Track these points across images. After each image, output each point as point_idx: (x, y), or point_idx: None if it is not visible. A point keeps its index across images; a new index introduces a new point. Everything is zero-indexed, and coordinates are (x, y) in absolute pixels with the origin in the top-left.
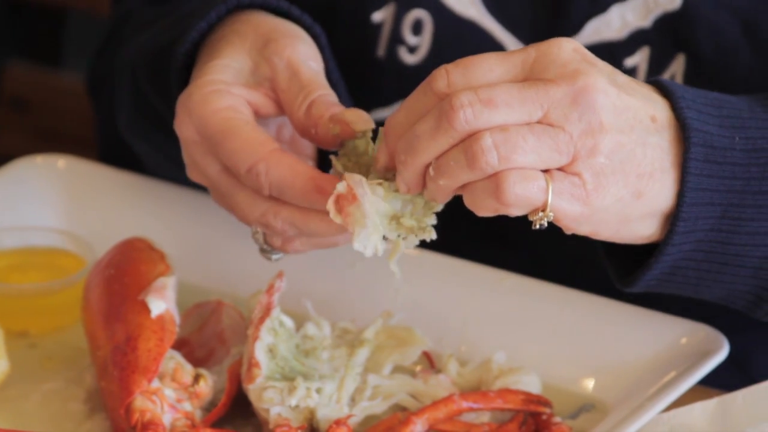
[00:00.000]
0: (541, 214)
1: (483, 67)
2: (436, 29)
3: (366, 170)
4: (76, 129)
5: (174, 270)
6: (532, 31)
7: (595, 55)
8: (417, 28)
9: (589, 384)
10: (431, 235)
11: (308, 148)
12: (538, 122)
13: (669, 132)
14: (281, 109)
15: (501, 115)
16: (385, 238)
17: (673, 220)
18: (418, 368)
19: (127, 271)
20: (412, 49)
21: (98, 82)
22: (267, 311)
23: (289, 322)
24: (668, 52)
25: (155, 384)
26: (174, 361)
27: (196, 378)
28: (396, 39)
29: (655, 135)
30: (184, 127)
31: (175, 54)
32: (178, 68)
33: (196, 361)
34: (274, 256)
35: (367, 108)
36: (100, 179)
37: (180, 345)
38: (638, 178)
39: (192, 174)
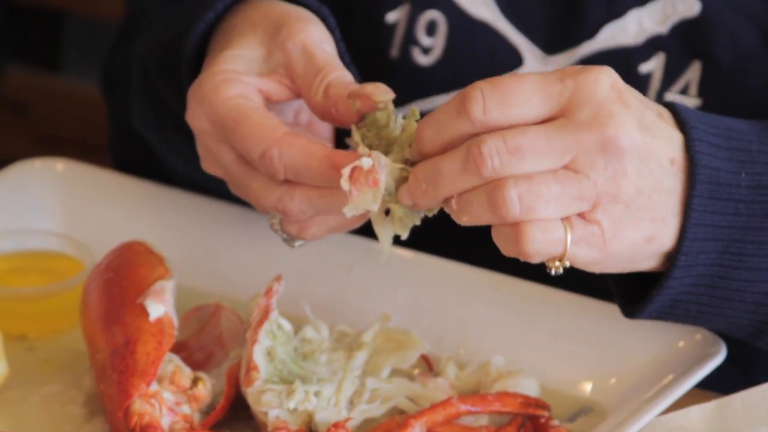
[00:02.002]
0: (558, 263)
1: (520, 96)
2: (450, 30)
3: (386, 143)
4: (75, 132)
5: (173, 273)
6: (546, 34)
7: (610, 60)
8: (431, 29)
9: (587, 387)
10: (421, 218)
11: (326, 131)
12: (564, 167)
13: (682, 171)
14: (295, 93)
15: (528, 163)
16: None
17: (675, 254)
18: (417, 371)
19: (125, 274)
20: (425, 50)
21: (111, 80)
22: (265, 314)
23: (287, 326)
24: (684, 58)
25: (154, 387)
26: (172, 364)
27: (195, 381)
28: (410, 40)
29: (671, 178)
30: (195, 117)
31: (183, 46)
32: (188, 60)
33: (195, 365)
34: (297, 243)
35: None
36: (98, 183)
37: (178, 348)
38: (652, 222)
39: (206, 165)
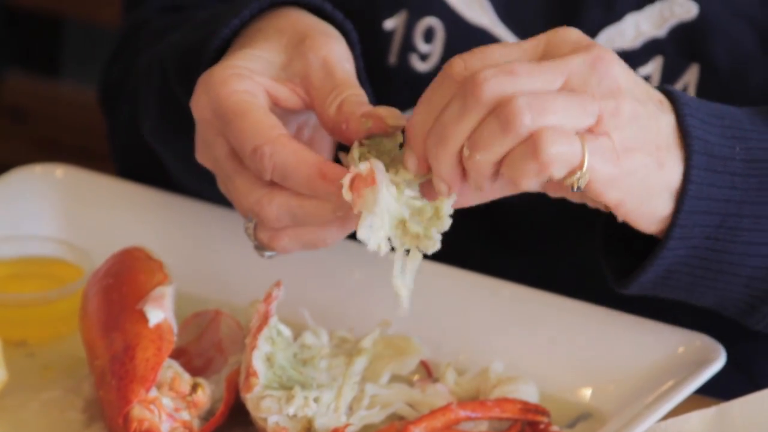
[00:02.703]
0: (578, 173)
1: (498, 51)
2: (447, 37)
3: (386, 163)
4: (75, 138)
5: (172, 279)
6: None
7: None
8: (429, 35)
9: (587, 393)
10: (435, 247)
11: (326, 151)
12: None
13: (670, 114)
14: (306, 105)
15: (525, 82)
16: (392, 249)
17: (669, 225)
18: (416, 377)
19: (125, 280)
20: (423, 57)
21: (112, 91)
22: (265, 320)
23: (286, 331)
24: (682, 61)
25: (153, 393)
26: (172, 370)
27: (194, 387)
28: (408, 47)
29: (665, 115)
30: (199, 105)
31: (206, 50)
32: (209, 64)
33: (194, 371)
34: (268, 254)
35: None
36: (98, 189)
37: (178, 354)
38: (657, 149)
39: (200, 156)
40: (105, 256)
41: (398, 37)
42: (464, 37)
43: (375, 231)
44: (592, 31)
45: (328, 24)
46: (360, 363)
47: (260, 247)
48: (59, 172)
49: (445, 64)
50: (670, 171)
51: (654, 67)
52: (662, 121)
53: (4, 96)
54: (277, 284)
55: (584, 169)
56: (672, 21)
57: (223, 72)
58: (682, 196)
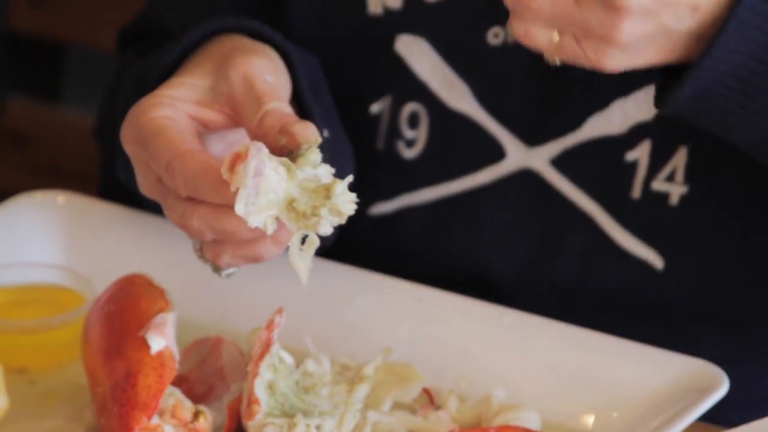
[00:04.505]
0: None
1: None
2: (431, 123)
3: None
4: (76, 164)
5: (174, 306)
6: (528, 126)
7: (596, 149)
8: (413, 121)
9: (589, 420)
10: (326, 227)
11: None
12: None
13: (717, 11)
14: (235, 123)
15: None
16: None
17: (717, 33)
18: (418, 405)
19: (126, 307)
20: (409, 143)
21: (101, 129)
22: (267, 347)
23: (288, 359)
24: (670, 145)
25: (155, 420)
26: (173, 397)
27: (196, 414)
28: (394, 132)
29: (689, 23)
30: (125, 136)
31: (149, 82)
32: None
33: (196, 398)
34: (224, 273)
35: (368, 201)
36: (99, 215)
37: (180, 381)
38: (653, 56)
39: (142, 188)
40: (106, 283)
41: (384, 122)
42: (448, 123)
43: (258, 208)
44: (578, 118)
45: (260, 44)
46: (362, 390)
47: (216, 268)
48: (60, 198)
49: None
50: (684, 43)
51: (642, 151)
52: (682, 26)
53: (5, 121)
54: (279, 311)
55: (553, 55)
56: None
57: (146, 102)
58: (735, 5)
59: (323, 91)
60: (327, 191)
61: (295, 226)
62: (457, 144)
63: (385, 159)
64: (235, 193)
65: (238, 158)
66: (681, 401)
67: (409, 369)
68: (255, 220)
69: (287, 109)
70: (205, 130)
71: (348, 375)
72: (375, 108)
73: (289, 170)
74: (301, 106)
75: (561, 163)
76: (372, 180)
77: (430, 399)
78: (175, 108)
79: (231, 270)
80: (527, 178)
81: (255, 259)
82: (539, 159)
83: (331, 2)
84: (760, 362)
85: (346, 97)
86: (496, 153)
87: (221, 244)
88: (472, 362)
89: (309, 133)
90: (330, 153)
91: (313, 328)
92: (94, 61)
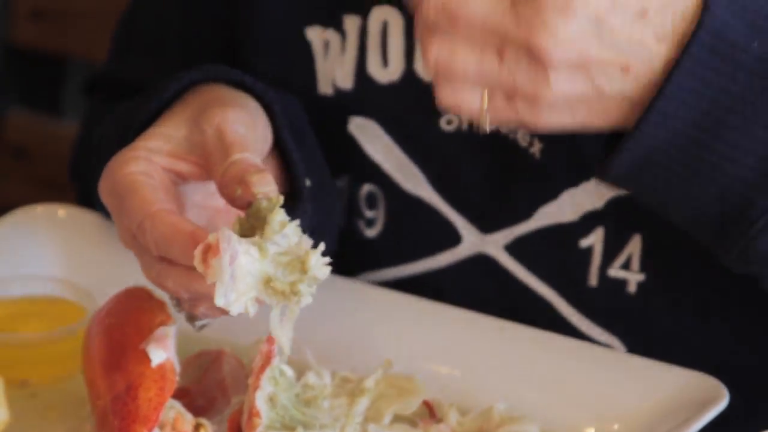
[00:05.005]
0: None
1: None
2: (387, 204)
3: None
4: None
5: (175, 319)
6: (482, 215)
7: (549, 236)
8: (371, 201)
9: None
10: (306, 300)
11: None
12: (497, 49)
13: (654, 68)
14: (208, 174)
15: (459, 30)
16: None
17: (654, 98)
18: (419, 417)
19: (127, 320)
20: (369, 222)
21: (75, 173)
22: (267, 360)
23: (289, 372)
24: (624, 232)
25: None
26: (174, 410)
27: (197, 427)
28: (354, 211)
29: (621, 85)
30: (104, 191)
31: (127, 135)
32: None
33: (197, 411)
34: (198, 324)
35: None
36: (100, 228)
37: (180, 394)
38: (584, 117)
39: (121, 239)
40: (107, 295)
41: (344, 201)
42: (404, 205)
43: (237, 297)
44: (530, 206)
45: (240, 93)
46: (362, 403)
47: (190, 317)
48: (61, 212)
49: None
50: (615, 106)
51: (596, 238)
52: (614, 89)
53: (5, 134)
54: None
55: (483, 119)
56: (609, 194)
57: (122, 155)
58: (674, 68)
59: (307, 136)
60: (302, 264)
61: (275, 301)
62: (415, 226)
63: (347, 237)
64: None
65: (209, 249)
66: (681, 414)
67: (409, 382)
68: (236, 308)
69: (252, 160)
70: (181, 181)
71: (348, 388)
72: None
73: (260, 249)
74: (283, 154)
75: (515, 249)
76: (336, 256)
77: (430, 412)
78: (150, 162)
79: (205, 321)
80: (483, 263)
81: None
82: (494, 245)
83: (284, 79)
84: (761, 382)
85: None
86: (453, 237)
87: (197, 299)
88: (472, 375)
89: (263, 183)
90: (311, 201)
91: (314, 340)
92: None
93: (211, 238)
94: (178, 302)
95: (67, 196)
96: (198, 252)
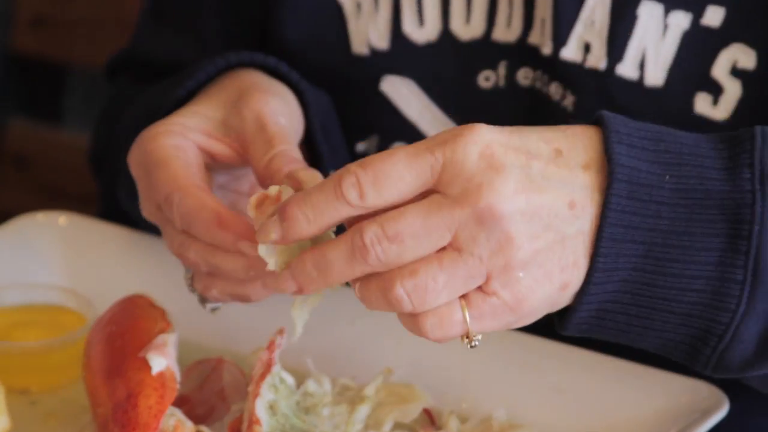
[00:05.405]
0: (466, 340)
1: (393, 175)
2: None
3: None
4: (78, 186)
5: (175, 327)
6: None
7: None
8: None
9: None
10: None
11: None
12: (448, 245)
13: (589, 207)
14: (242, 159)
15: (410, 249)
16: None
17: (592, 257)
18: (419, 425)
19: (127, 328)
20: None
21: (97, 159)
22: (268, 368)
23: (289, 379)
24: None
25: None
26: (174, 418)
27: None
28: None
29: (574, 223)
30: (132, 160)
31: (160, 112)
32: None
33: (197, 418)
34: (209, 306)
35: None
36: (101, 236)
37: (181, 402)
38: (561, 271)
39: (143, 210)
40: (108, 303)
41: None
42: None
43: (278, 252)
44: None
45: (276, 82)
46: (363, 411)
47: (201, 299)
48: (62, 219)
49: (339, 175)
50: (575, 285)
51: None
52: (569, 237)
53: (7, 143)
54: (280, 332)
55: (472, 335)
56: None
57: (156, 128)
58: (601, 224)
59: (334, 131)
60: None
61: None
62: None
63: None
64: (228, 237)
65: (266, 199)
66: (682, 422)
67: (409, 389)
68: (274, 263)
69: (295, 154)
70: (212, 162)
71: (349, 395)
72: (361, 147)
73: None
74: (311, 146)
75: None
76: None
77: (430, 419)
78: (184, 137)
79: (217, 305)
80: None
81: (242, 299)
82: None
83: (317, 42)
84: (752, 396)
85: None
86: None
87: (212, 278)
88: (472, 383)
89: (315, 182)
90: None
91: (314, 348)
92: (96, 83)
93: (270, 190)
94: (193, 280)
95: (68, 204)
96: (253, 199)
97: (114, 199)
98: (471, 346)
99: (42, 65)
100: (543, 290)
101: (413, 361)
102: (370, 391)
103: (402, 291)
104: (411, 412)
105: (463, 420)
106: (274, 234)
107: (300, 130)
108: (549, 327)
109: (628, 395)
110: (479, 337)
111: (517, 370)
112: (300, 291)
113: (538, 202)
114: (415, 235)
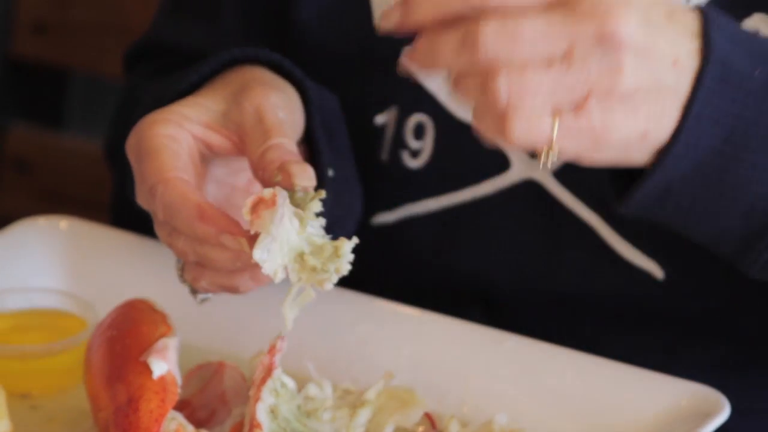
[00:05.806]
0: (546, 151)
1: None
2: (437, 133)
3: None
4: (79, 190)
5: (176, 331)
6: None
7: None
8: (419, 132)
9: None
10: (331, 282)
11: None
12: (560, 57)
13: (689, 72)
14: (240, 152)
15: (524, 50)
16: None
17: (675, 133)
18: (420, 429)
19: (128, 332)
20: (414, 153)
21: (113, 151)
22: (269, 372)
23: (290, 383)
24: None
25: None
26: (175, 422)
27: None
28: (399, 143)
29: (673, 77)
30: (128, 147)
31: (163, 104)
32: None
33: (198, 422)
34: (199, 297)
35: (370, 211)
36: (102, 241)
37: (182, 406)
38: (647, 119)
39: (138, 197)
40: (109, 308)
41: (389, 133)
42: (453, 133)
43: (272, 256)
44: None
45: (278, 77)
46: (363, 415)
47: (192, 290)
48: (63, 224)
49: None
50: (655, 137)
51: None
52: (664, 88)
53: (8, 148)
54: (281, 336)
55: (553, 149)
56: None
57: (154, 116)
58: (691, 101)
59: (339, 132)
60: (336, 250)
61: (300, 278)
62: (463, 154)
63: (389, 169)
64: (209, 231)
65: (261, 202)
66: (682, 426)
67: (410, 394)
68: (269, 268)
69: (291, 147)
70: (209, 153)
71: (350, 399)
72: (380, 119)
73: (301, 222)
74: (311, 143)
75: (563, 174)
76: (375, 190)
77: (431, 424)
78: (180, 127)
79: (207, 295)
80: (530, 188)
81: (231, 290)
82: (541, 171)
83: (336, 14)
84: (759, 371)
85: (350, 109)
86: (501, 163)
87: (201, 269)
88: (473, 387)
89: (305, 177)
90: (333, 193)
91: (315, 352)
92: (98, 87)
93: (265, 193)
94: (183, 270)
95: (69, 209)
96: (249, 202)
97: (125, 192)
98: (542, 162)
99: (43, 70)
100: (627, 128)
101: (414, 366)
102: (371, 395)
103: (505, 81)
104: (412, 417)
105: (464, 424)
106: (395, 16)
107: (300, 126)
108: (550, 332)
109: (629, 399)
110: (554, 156)
111: (517, 374)
112: (411, 61)
113: (653, 45)
114: (533, 38)
